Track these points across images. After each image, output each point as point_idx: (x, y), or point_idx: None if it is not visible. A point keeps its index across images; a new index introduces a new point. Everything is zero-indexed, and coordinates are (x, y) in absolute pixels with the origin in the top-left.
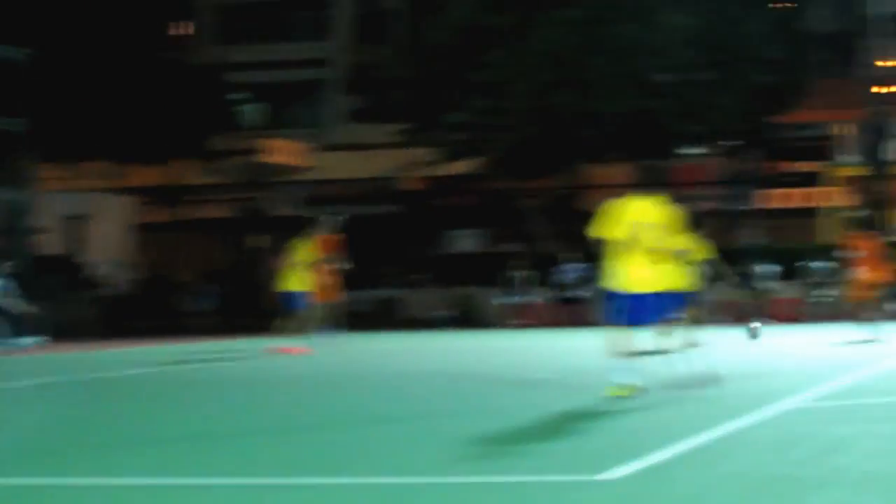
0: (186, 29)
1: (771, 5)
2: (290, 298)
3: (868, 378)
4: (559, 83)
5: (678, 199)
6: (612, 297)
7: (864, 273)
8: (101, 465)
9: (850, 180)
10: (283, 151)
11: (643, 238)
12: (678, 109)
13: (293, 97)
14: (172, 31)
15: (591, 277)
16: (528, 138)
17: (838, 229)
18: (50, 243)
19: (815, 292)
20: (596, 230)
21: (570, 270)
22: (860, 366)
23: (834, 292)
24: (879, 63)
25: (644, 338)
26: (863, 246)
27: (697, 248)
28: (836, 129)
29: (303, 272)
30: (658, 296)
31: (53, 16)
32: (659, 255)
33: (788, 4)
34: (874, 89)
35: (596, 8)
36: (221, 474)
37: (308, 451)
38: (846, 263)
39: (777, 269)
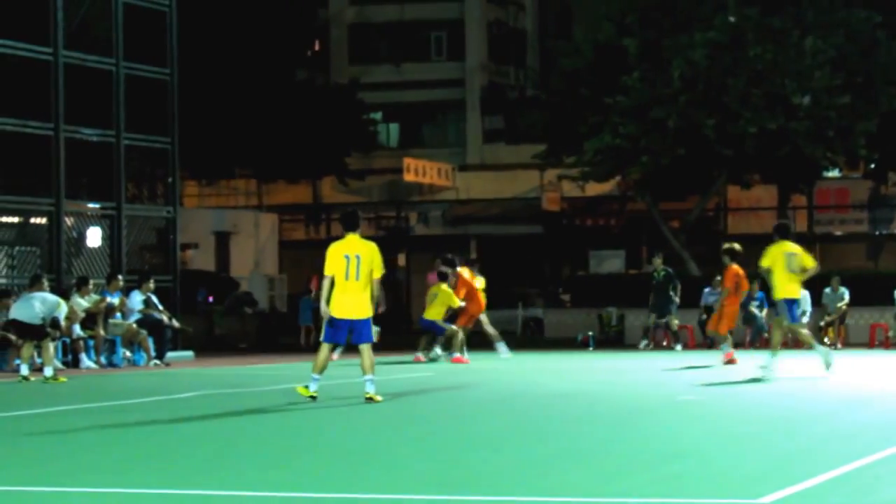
0: (318, 48)
1: None
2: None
3: None
4: (699, 105)
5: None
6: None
7: None
8: (250, 478)
9: None
10: (422, 171)
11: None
12: (817, 132)
13: (429, 117)
14: (307, 51)
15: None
16: (671, 161)
17: None
18: (198, 259)
19: None
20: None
21: (710, 293)
22: None
23: None
24: None
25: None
26: None
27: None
28: None
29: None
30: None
31: (194, 37)
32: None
33: None
34: None
35: (734, 30)
36: (368, 490)
37: (462, 469)
38: None
39: None
